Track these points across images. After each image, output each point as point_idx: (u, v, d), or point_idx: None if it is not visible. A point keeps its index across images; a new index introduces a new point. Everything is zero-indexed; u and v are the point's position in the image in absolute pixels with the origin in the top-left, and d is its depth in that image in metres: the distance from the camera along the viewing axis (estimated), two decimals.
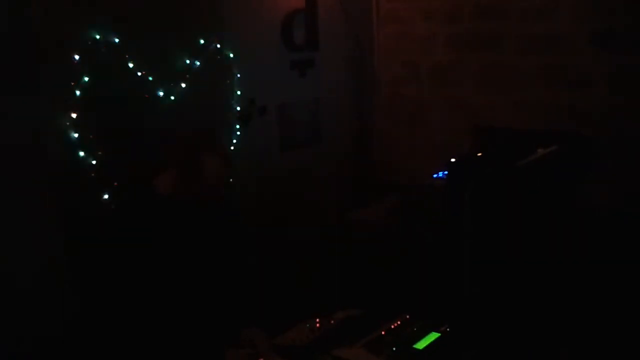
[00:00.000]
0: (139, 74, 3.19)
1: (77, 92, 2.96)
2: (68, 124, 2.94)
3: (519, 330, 2.71)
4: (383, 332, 2.22)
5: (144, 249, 2.29)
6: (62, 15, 2.89)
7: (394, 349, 2.11)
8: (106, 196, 3.10)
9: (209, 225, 2.63)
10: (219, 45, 3.57)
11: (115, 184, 3.12)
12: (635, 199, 3.46)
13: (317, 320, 2.37)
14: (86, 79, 2.98)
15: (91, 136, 3.02)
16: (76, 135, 2.97)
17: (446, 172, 3.72)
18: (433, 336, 2.19)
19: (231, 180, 3.19)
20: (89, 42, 2.99)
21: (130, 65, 3.15)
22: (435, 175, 3.87)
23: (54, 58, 2.88)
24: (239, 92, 3.72)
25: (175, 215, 2.44)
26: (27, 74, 2.79)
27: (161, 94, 3.30)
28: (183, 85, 3.39)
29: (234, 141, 3.69)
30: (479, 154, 3.59)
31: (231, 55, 3.65)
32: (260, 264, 3.06)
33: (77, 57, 2.95)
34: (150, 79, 3.24)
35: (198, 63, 3.47)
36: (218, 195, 2.46)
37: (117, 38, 3.08)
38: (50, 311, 2.96)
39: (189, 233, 2.46)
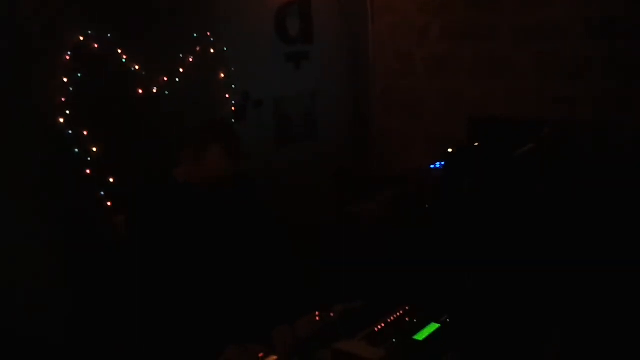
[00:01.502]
0: (132, 68, 3.16)
1: (70, 89, 2.94)
2: (62, 120, 2.92)
3: (515, 320, 2.71)
4: (383, 324, 2.22)
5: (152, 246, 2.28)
6: (54, 11, 2.86)
7: (394, 340, 2.11)
8: (102, 193, 3.09)
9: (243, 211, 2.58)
10: (212, 39, 3.54)
11: (111, 180, 3.11)
12: None
13: (317, 313, 2.36)
14: (79, 75, 2.95)
15: (85, 133, 3.00)
16: (70, 132, 2.95)
17: (443, 163, 3.73)
18: (433, 327, 2.19)
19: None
20: (82, 38, 2.96)
21: (123, 59, 3.13)
22: (432, 166, 3.88)
23: (47, 54, 2.86)
24: (233, 86, 3.70)
25: (209, 199, 2.39)
26: (19, 71, 2.77)
27: (154, 88, 3.28)
28: (177, 79, 3.37)
29: None
30: (475, 145, 3.60)
31: (225, 48, 3.62)
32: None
33: (69, 52, 2.92)
34: (144, 73, 3.21)
35: (191, 57, 3.44)
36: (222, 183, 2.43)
37: (110, 33, 3.06)
38: (50, 311, 2.95)
39: (218, 219, 2.43)
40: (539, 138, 3.30)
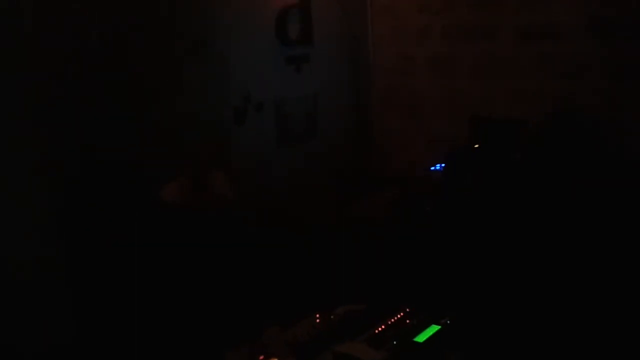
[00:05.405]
0: (132, 70, 3.17)
1: (71, 87, 2.94)
2: (64, 120, 2.94)
3: (515, 321, 2.72)
4: (383, 326, 2.23)
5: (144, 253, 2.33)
6: (54, 9, 2.87)
7: (395, 342, 2.12)
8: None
9: (212, 233, 2.68)
10: (213, 42, 3.55)
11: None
12: None
13: (317, 315, 2.37)
14: (80, 72, 2.96)
15: (88, 133, 3.01)
16: (73, 131, 2.96)
17: (443, 165, 3.74)
18: (433, 329, 2.20)
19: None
20: (82, 36, 2.97)
21: (124, 60, 3.14)
22: (432, 168, 3.88)
23: (49, 49, 2.87)
24: (234, 89, 3.71)
25: (179, 223, 2.51)
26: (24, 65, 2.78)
27: (156, 90, 3.29)
28: (177, 81, 3.38)
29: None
30: (476, 146, 3.61)
31: (226, 51, 3.63)
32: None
33: (69, 49, 2.93)
34: (144, 75, 3.22)
35: (192, 59, 3.45)
36: (224, 209, 2.55)
37: (109, 32, 3.06)
38: (50, 311, 2.96)
39: (191, 240, 2.52)
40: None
